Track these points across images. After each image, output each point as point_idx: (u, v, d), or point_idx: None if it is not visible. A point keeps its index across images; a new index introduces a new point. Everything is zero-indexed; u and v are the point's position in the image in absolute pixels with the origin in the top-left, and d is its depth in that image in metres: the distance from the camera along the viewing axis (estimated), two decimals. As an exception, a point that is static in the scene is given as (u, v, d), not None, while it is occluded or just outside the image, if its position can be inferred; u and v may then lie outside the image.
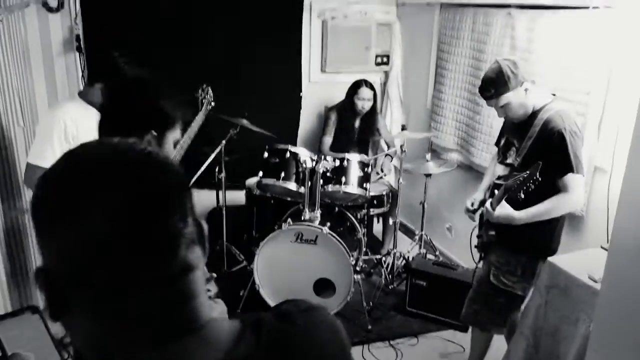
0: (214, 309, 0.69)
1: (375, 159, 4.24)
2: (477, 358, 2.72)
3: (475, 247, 2.58)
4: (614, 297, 1.61)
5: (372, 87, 4.04)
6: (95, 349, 0.64)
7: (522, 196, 2.22)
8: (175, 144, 1.48)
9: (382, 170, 4.07)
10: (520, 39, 3.22)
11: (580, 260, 2.27)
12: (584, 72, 2.79)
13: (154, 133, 1.39)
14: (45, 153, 2.36)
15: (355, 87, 4.01)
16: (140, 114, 1.38)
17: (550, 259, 2.27)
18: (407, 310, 3.39)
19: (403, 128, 3.67)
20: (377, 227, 4.32)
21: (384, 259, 3.82)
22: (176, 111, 1.44)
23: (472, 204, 2.63)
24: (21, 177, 2.65)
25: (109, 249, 0.59)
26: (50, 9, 3.46)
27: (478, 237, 2.56)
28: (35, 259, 3.02)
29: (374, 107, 4.11)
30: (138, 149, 0.68)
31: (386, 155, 4.14)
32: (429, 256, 3.79)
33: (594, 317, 1.79)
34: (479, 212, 2.57)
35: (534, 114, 2.32)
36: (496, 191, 2.37)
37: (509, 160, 2.44)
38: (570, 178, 2.22)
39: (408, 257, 3.79)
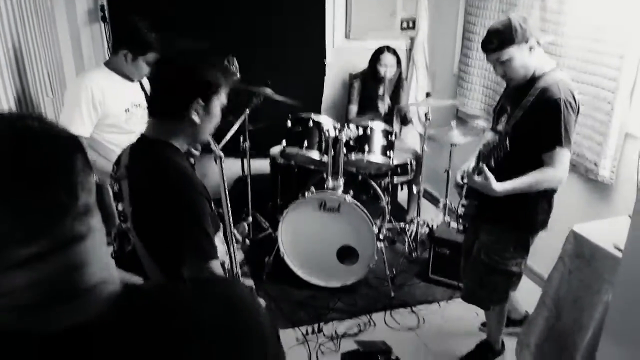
0: (107, 274, 0.72)
1: (400, 127, 4.21)
2: (495, 329, 2.72)
3: (459, 217, 2.54)
4: (635, 265, 1.59)
5: (395, 53, 3.96)
6: None
7: (493, 165, 2.17)
8: (222, 109, 1.53)
9: (407, 141, 4.04)
10: (550, 8, 3.09)
11: (606, 229, 2.22)
12: (617, 35, 2.68)
13: (201, 102, 1.44)
14: (74, 120, 2.43)
15: (378, 53, 3.95)
16: (186, 84, 1.44)
17: (575, 227, 2.23)
18: (430, 278, 3.41)
19: (428, 95, 3.61)
20: (402, 195, 4.32)
21: (407, 226, 3.83)
22: (220, 78, 1.48)
23: (462, 177, 2.49)
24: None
25: None
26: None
27: (462, 206, 2.51)
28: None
29: (399, 74, 4.05)
30: (25, 122, 0.68)
31: (408, 123, 4.11)
32: (453, 224, 3.77)
33: (614, 285, 1.78)
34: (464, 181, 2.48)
35: (533, 80, 2.20)
36: (477, 161, 2.32)
37: (499, 127, 2.35)
38: (557, 152, 2.12)
39: (432, 225, 3.79)
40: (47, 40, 3.18)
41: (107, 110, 2.49)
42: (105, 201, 0.73)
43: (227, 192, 1.77)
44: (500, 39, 2.15)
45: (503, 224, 2.34)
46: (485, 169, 2.16)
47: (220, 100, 1.50)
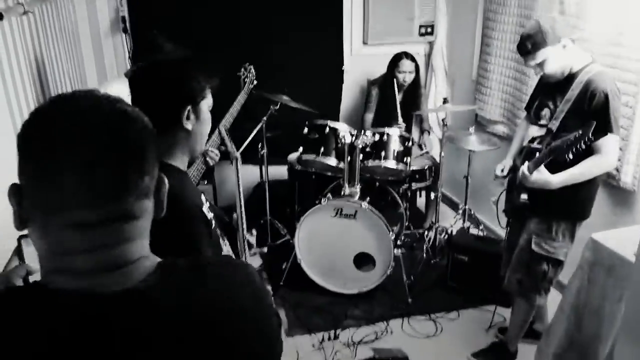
0: (147, 251, 0.80)
1: (419, 133, 4.19)
2: (516, 331, 2.69)
3: (504, 211, 2.64)
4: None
5: (413, 59, 3.95)
6: (43, 259, 0.75)
7: (570, 157, 2.19)
8: (210, 110, 1.47)
9: (424, 147, 4.02)
10: (569, 3, 3.05)
11: (626, 237, 2.17)
12: (637, 38, 2.63)
13: (191, 109, 1.39)
14: None
15: (396, 59, 3.94)
16: (172, 94, 1.38)
17: (594, 235, 2.19)
18: (449, 285, 3.38)
19: (445, 101, 3.58)
20: (420, 201, 4.30)
21: (426, 233, 3.80)
22: (203, 80, 1.42)
23: (502, 170, 2.62)
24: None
25: (61, 187, 0.69)
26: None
27: (507, 201, 2.59)
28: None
29: (416, 80, 4.03)
30: (124, 105, 0.78)
31: (423, 131, 4.09)
32: (473, 230, 3.74)
33: (627, 292, 1.74)
34: (508, 177, 2.58)
35: (572, 75, 2.30)
36: (537, 154, 2.34)
37: (543, 122, 2.43)
38: (608, 139, 2.20)
39: (451, 231, 3.75)
40: (70, 51, 3.27)
41: None
42: (161, 191, 0.80)
43: (241, 195, 1.76)
44: (532, 43, 2.25)
45: (555, 212, 2.41)
46: (542, 168, 2.25)
47: (207, 102, 1.45)
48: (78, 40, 3.48)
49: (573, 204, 2.39)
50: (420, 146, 4.09)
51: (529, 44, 2.26)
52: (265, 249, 1.96)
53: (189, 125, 1.39)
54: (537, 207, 2.43)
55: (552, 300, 2.67)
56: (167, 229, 1.32)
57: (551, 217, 2.42)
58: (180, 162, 1.44)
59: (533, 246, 2.45)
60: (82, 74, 3.61)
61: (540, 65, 2.29)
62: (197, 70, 1.43)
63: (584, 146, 2.13)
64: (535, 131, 2.55)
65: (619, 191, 2.85)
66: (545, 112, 2.42)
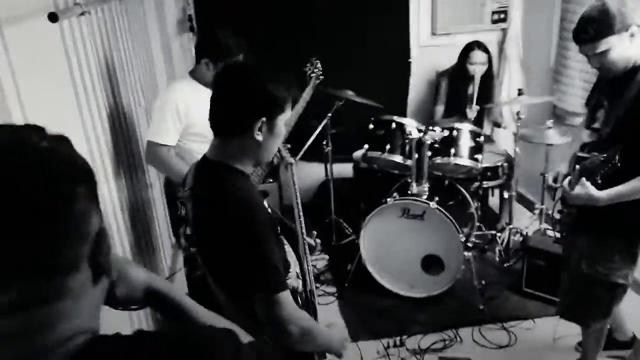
0: (86, 325, 0.64)
1: (492, 127, 3.98)
2: (591, 352, 2.44)
3: (556, 223, 2.33)
4: None
5: (486, 50, 3.73)
6: None
7: (599, 181, 1.92)
8: (285, 125, 1.47)
9: (499, 142, 3.80)
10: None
11: None
12: None
13: (265, 121, 1.37)
14: (162, 131, 2.53)
15: (467, 50, 3.73)
16: (250, 102, 1.37)
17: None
18: (524, 291, 3.17)
19: (520, 92, 3.35)
20: (493, 201, 4.07)
21: (499, 234, 3.59)
22: (286, 95, 1.41)
23: (555, 180, 2.28)
24: (143, 155, 2.85)
25: None
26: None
27: (560, 212, 2.27)
28: (160, 231, 3.27)
29: (489, 72, 3.81)
30: (20, 139, 0.59)
31: (501, 126, 3.87)
32: (550, 232, 3.48)
33: None
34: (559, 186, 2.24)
35: (634, 71, 1.93)
36: (577, 166, 2.05)
37: (596, 125, 2.09)
38: None
39: (526, 233, 3.52)
40: (140, 50, 3.33)
41: (191, 119, 2.56)
42: (102, 251, 0.62)
43: (299, 199, 1.73)
44: (596, 28, 1.90)
45: (607, 230, 2.10)
46: (585, 182, 1.95)
47: (285, 117, 1.43)
48: (148, 40, 3.55)
49: (629, 219, 2.03)
50: (492, 140, 3.87)
51: (592, 30, 1.89)
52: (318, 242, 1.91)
53: (259, 137, 1.38)
54: (586, 223, 2.12)
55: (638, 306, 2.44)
56: (237, 237, 1.33)
57: (603, 235, 2.10)
58: (245, 167, 1.44)
59: (583, 267, 2.15)
60: (153, 73, 3.69)
61: (601, 55, 1.92)
62: (281, 82, 1.41)
63: (610, 172, 1.85)
64: (586, 135, 2.18)
65: None
66: (600, 113, 2.07)
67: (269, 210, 1.49)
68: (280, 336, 1.34)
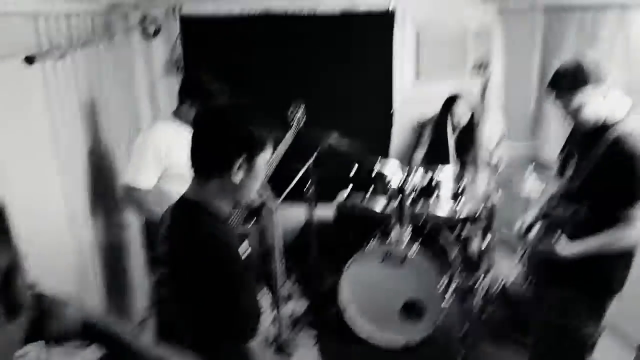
0: None
1: (472, 175, 4.01)
2: None
3: (526, 271, 2.33)
4: None
5: (468, 101, 3.82)
6: None
7: (566, 235, 1.94)
8: (265, 165, 1.48)
9: (479, 189, 3.83)
10: (635, 40, 2.86)
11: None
12: None
13: (245, 160, 1.38)
14: (139, 174, 2.49)
15: (451, 101, 3.82)
16: (229, 142, 1.38)
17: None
18: (504, 340, 3.13)
19: (501, 139, 3.41)
20: (474, 246, 4.07)
21: (480, 281, 3.57)
22: (265, 135, 1.42)
23: (522, 226, 2.29)
24: (120, 197, 2.83)
25: None
26: (148, 36, 3.69)
27: (527, 261, 2.30)
28: (135, 273, 3.21)
29: (471, 120, 3.89)
30: None
31: (482, 174, 3.90)
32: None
33: None
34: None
35: (604, 127, 1.97)
36: (547, 216, 2.09)
37: (567, 174, 2.12)
38: (634, 209, 1.89)
39: (507, 280, 3.51)
40: (124, 91, 3.36)
41: (173, 160, 2.54)
42: (14, 288, 0.57)
43: (279, 246, 1.73)
44: (572, 81, 1.94)
45: (575, 286, 2.09)
46: (557, 234, 1.96)
47: (264, 157, 1.43)
48: (133, 80, 3.59)
49: (595, 276, 2.04)
50: (474, 190, 3.91)
51: (567, 83, 1.94)
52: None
53: (239, 176, 1.38)
54: (556, 275, 2.12)
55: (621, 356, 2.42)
56: (208, 275, 1.32)
57: (573, 288, 2.10)
58: (224, 207, 1.43)
59: (552, 318, 2.14)
60: (137, 114, 3.71)
61: (574, 108, 1.96)
62: (260, 122, 1.42)
63: (578, 225, 1.89)
64: (556, 185, 2.20)
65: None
66: (571, 163, 2.11)
67: (247, 253, 1.47)
68: None
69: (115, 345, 0.94)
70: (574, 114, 1.99)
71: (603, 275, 2.05)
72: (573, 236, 1.96)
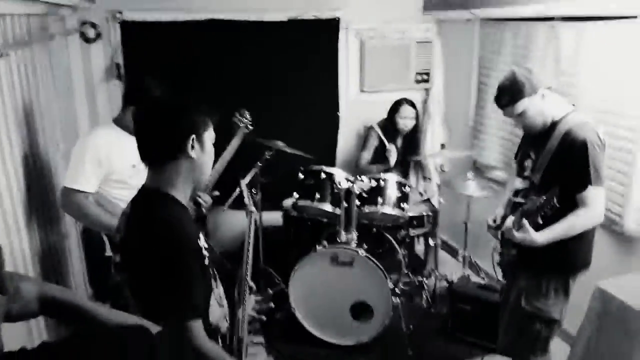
0: None
1: (417, 179, 4.13)
2: None
3: (498, 264, 2.51)
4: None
5: (413, 106, 3.95)
6: None
7: (541, 222, 2.09)
8: (212, 143, 1.53)
9: (424, 194, 3.95)
10: (565, 52, 3.05)
11: (636, 285, 2.08)
12: (636, 82, 2.60)
13: (195, 138, 1.44)
14: (79, 176, 2.41)
15: (397, 105, 3.94)
16: (177, 124, 1.44)
17: (600, 284, 2.09)
18: (450, 335, 3.22)
19: (442, 147, 3.54)
20: (419, 248, 4.18)
21: (425, 280, 3.67)
22: (205, 113, 1.50)
23: (494, 221, 2.50)
24: (59, 202, 2.72)
25: None
26: (87, 40, 3.59)
27: (500, 254, 2.47)
28: (75, 283, 3.08)
29: (416, 126, 4.01)
30: None
31: (424, 179, 4.03)
32: (474, 278, 3.61)
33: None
34: (501, 228, 2.45)
35: (553, 125, 2.21)
36: (516, 210, 2.23)
37: (526, 173, 2.33)
38: (589, 192, 2.09)
39: (451, 279, 3.62)
40: (61, 95, 3.24)
41: (113, 166, 2.48)
42: None
43: (251, 246, 1.76)
44: (510, 94, 2.19)
45: (543, 269, 2.27)
46: (526, 223, 2.10)
47: (210, 134, 1.50)
48: (71, 86, 3.47)
49: (564, 258, 2.23)
50: (420, 193, 4.03)
51: (507, 96, 2.20)
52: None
53: (193, 154, 1.44)
54: (525, 261, 2.28)
55: (562, 353, 2.53)
56: (159, 261, 1.33)
57: (541, 272, 2.28)
58: (182, 194, 1.48)
59: (523, 304, 2.30)
60: (73, 118, 3.58)
61: (520, 116, 2.21)
62: (198, 104, 1.51)
63: (550, 212, 2.03)
64: (519, 183, 2.40)
65: (623, 238, 2.76)
66: (528, 163, 2.32)
67: (206, 245, 1.51)
68: None
69: (74, 316, 0.91)
70: (522, 121, 2.23)
71: (568, 256, 2.22)
72: (545, 223, 2.11)
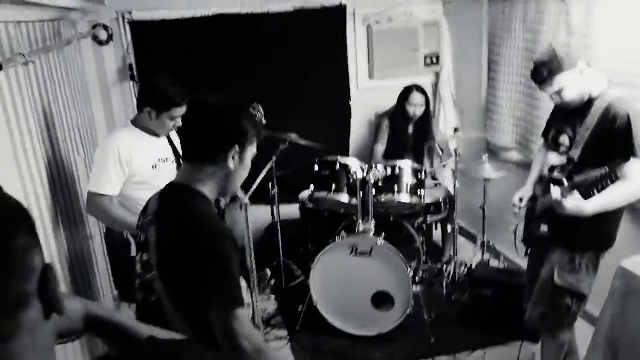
0: None
1: (431, 165, 4.13)
2: None
3: (523, 241, 2.54)
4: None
5: (423, 92, 3.93)
6: None
7: (596, 194, 2.08)
8: (251, 159, 1.55)
9: (437, 179, 3.95)
10: (576, 25, 3.02)
11: (659, 263, 2.07)
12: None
13: (238, 149, 1.46)
14: (103, 181, 2.45)
15: (406, 93, 3.92)
16: (227, 131, 1.47)
17: (623, 263, 2.09)
18: (472, 322, 3.24)
19: (456, 130, 3.53)
20: (437, 235, 4.19)
21: (445, 267, 3.69)
22: (255, 129, 1.52)
23: (521, 200, 2.52)
24: (84, 205, 2.76)
25: None
26: (100, 43, 3.62)
27: (526, 231, 2.50)
28: (101, 284, 3.14)
29: (427, 112, 4.00)
30: None
31: (440, 164, 4.03)
32: (493, 262, 3.61)
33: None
34: (524, 206, 2.50)
35: (590, 102, 2.20)
36: (561, 184, 2.22)
37: (562, 149, 2.33)
38: (632, 164, 2.09)
39: (470, 264, 3.63)
40: (78, 99, 3.28)
41: (135, 168, 2.51)
42: (51, 285, 0.62)
43: (251, 240, 1.76)
44: (548, 70, 2.17)
45: (578, 244, 2.30)
46: (577, 194, 2.11)
47: (252, 150, 1.52)
48: (86, 88, 3.51)
49: (598, 234, 2.27)
50: (433, 178, 4.03)
51: (545, 71, 2.17)
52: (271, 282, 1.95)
53: (232, 164, 1.47)
54: (559, 238, 2.32)
55: (586, 334, 2.53)
56: (200, 246, 1.36)
57: (575, 249, 2.31)
58: (210, 195, 1.51)
59: (556, 278, 2.33)
60: (91, 122, 3.63)
61: (559, 93, 2.20)
62: (251, 118, 1.55)
63: (610, 184, 2.02)
64: (554, 159, 2.43)
65: (644, 215, 2.75)
66: (564, 139, 2.32)
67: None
68: (234, 351, 1.33)
69: (117, 334, 0.94)
70: (560, 96, 2.21)
71: (603, 232, 2.26)
72: (587, 196, 2.11)
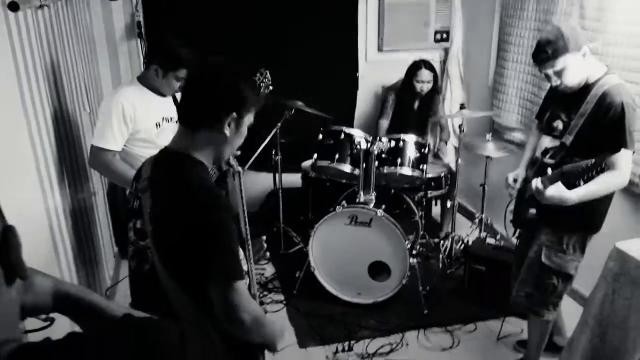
0: (8, 334, 0.62)
1: (434, 141, 4.14)
2: (535, 347, 2.61)
3: (511, 221, 2.57)
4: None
5: (431, 68, 3.90)
6: None
7: (582, 184, 2.09)
8: (248, 127, 1.51)
9: (440, 155, 3.96)
10: (590, 6, 2.99)
11: (654, 246, 2.11)
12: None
13: (235, 116, 1.42)
14: (106, 135, 2.46)
15: (414, 68, 3.89)
16: (225, 97, 1.43)
17: (618, 244, 2.12)
18: (465, 296, 3.30)
19: (462, 107, 3.53)
20: (436, 210, 4.23)
21: (442, 242, 3.73)
22: (255, 96, 1.47)
23: (515, 180, 2.55)
24: (87, 161, 2.78)
25: None
26: (108, -3, 3.58)
27: (515, 212, 2.53)
28: (103, 240, 3.18)
29: (434, 88, 3.98)
30: None
31: (441, 140, 4.04)
32: (490, 240, 3.66)
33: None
34: (518, 187, 2.52)
35: (587, 87, 2.19)
36: (549, 170, 2.23)
37: (555, 134, 2.34)
38: (622, 154, 2.11)
39: (467, 240, 3.68)
40: (85, 55, 3.26)
41: (138, 124, 2.51)
42: (12, 248, 0.57)
43: (245, 209, 1.76)
44: (553, 48, 2.13)
45: (565, 225, 2.33)
46: (559, 183, 2.12)
47: (250, 118, 1.48)
48: (93, 43, 3.48)
49: (585, 217, 2.28)
50: (435, 155, 4.04)
51: (549, 50, 2.13)
52: (267, 255, 1.94)
53: (227, 131, 1.43)
54: (547, 219, 2.34)
55: (573, 313, 2.60)
56: (197, 215, 1.34)
57: (562, 230, 2.34)
58: (206, 160, 1.48)
59: (543, 258, 2.37)
60: (97, 78, 3.61)
61: (559, 73, 2.17)
62: (252, 86, 1.51)
63: (596, 175, 2.03)
64: (548, 142, 2.42)
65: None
66: (558, 124, 2.31)
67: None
68: (232, 323, 1.34)
69: (87, 313, 0.91)
70: (560, 78, 2.18)
71: (590, 214, 2.28)
72: (572, 185, 2.12)
